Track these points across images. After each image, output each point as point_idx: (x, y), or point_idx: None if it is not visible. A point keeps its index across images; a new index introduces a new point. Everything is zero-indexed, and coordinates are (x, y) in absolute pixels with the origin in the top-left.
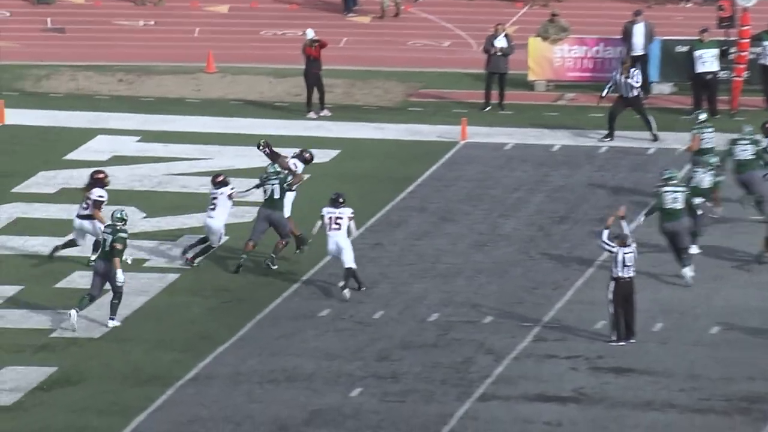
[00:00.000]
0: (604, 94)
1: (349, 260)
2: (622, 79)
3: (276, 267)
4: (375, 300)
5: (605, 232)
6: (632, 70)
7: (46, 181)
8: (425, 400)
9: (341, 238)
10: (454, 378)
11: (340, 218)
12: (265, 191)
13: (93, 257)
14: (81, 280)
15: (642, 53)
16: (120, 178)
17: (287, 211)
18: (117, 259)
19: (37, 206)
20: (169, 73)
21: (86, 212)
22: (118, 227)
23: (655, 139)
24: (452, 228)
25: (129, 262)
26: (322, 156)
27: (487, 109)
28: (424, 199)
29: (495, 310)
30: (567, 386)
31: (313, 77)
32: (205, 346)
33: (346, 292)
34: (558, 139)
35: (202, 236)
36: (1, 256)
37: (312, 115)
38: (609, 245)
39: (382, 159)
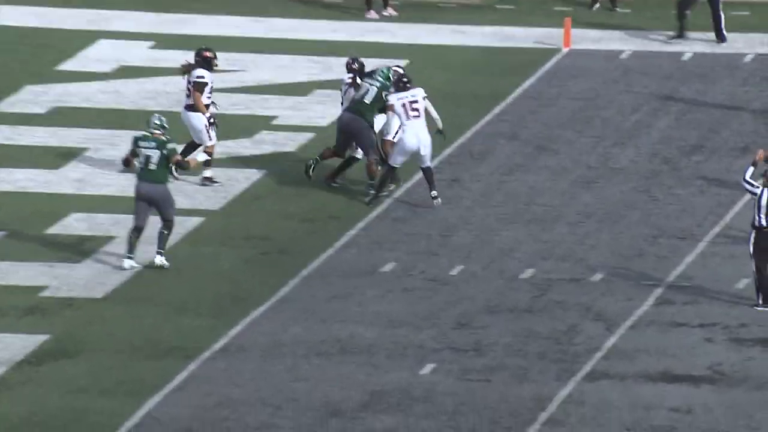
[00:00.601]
0: None
1: (428, 158)
2: None
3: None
4: (452, 252)
5: (750, 169)
6: None
7: (33, 97)
8: (517, 379)
9: (422, 128)
10: (554, 351)
11: (416, 101)
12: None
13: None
14: (78, 224)
15: None
16: (127, 95)
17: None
18: (189, 164)
19: (22, 130)
20: None
21: (190, 101)
22: (165, 137)
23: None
24: (552, 160)
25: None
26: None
27: (596, 6)
28: (516, 123)
29: (607, 265)
30: (700, 362)
31: None
32: (237, 309)
33: (439, 200)
34: (690, 45)
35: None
36: None
37: (372, 14)
38: (752, 185)
39: (462, 71)
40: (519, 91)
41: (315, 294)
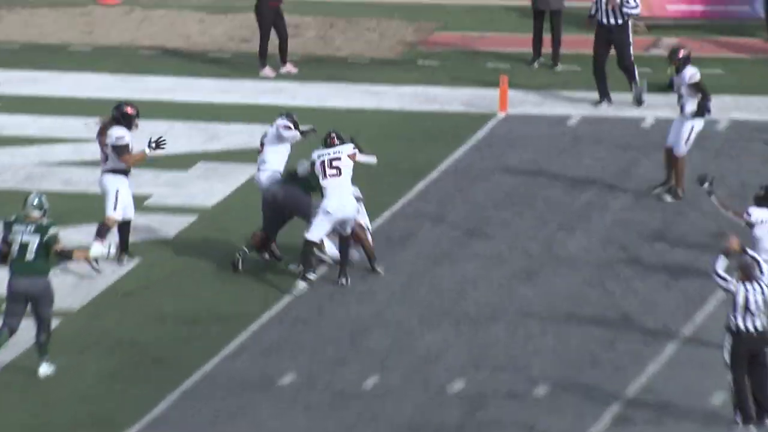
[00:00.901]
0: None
1: (358, 219)
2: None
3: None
4: (365, 359)
5: (721, 260)
6: None
7: None
8: None
9: (343, 190)
10: None
11: (337, 158)
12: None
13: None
14: None
15: None
16: None
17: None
18: (73, 255)
19: None
20: (44, 5)
21: (107, 167)
22: (45, 221)
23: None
24: (485, 247)
25: (111, 251)
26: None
27: (538, 62)
28: (442, 203)
29: (552, 376)
30: None
31: (269, 13)
32: None
33: (345, 281)
34: (651, 108)
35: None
36: None
37: (268, 72)
38: (725, 280)
39: (377, 140)
40: (446, 163)
41: (197, 413)
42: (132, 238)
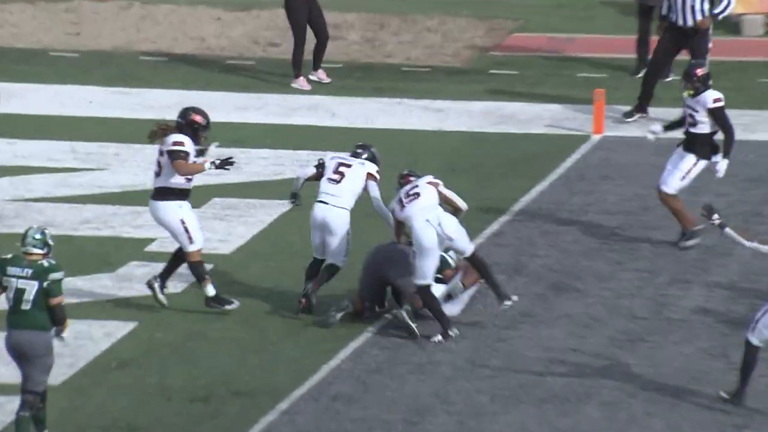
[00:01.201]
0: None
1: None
2: None
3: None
4: None
5: None
6: None
7: None
8: None
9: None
10: None
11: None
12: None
13: None
14: None
15: None
16: None
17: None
18: (66, 321)
19: None
20: None
21: (160, 182)
22: (48, 262)
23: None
24: (576, 306)
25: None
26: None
27: (642, 72)
28: (521, 249)
29: None
30: None
31: (304, 8)
32: None
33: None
34: None
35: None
36: None
37: (303, 83)
38: None
39: (440, 170)
40: (526, 200)
41: None
42: (128, 292)
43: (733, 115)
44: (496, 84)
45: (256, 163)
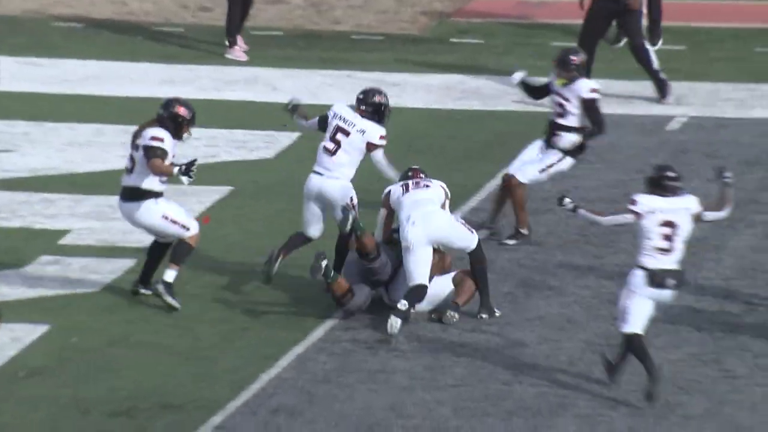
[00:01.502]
0: None
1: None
2: None
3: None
4: None
5: None
6: None
7: None
8: None
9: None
10: None
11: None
12: None
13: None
14: None
15: None
16: None
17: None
18: None
19: None
20: None
21: (132, 181)
22: None
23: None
24: (548, 304)
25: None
26: (259, 147)
27: (624, 41)
28: (485, 241)
29: None
30: None
31: None
32: None
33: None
34: None
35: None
36: None
37: (238, 53)
38: None
39: (395, 152)
40: (490, 187)
41: None
42: (39, 291)
43: (726, 89)
44: (458, 54)
45: (186, 144)
